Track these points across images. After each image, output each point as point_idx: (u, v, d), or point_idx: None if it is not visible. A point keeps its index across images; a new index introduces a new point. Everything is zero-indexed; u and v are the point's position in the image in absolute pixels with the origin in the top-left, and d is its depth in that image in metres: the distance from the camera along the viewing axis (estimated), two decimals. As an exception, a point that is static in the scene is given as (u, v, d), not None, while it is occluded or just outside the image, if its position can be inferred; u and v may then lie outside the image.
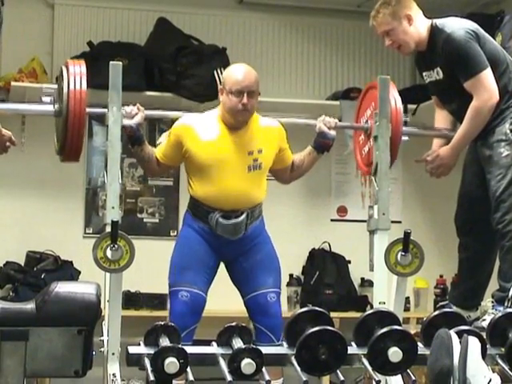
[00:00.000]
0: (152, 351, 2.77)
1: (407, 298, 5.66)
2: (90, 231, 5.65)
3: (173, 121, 3.88)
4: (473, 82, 3.69)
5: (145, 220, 5.78)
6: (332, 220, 6.09)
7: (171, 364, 2.72)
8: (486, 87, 3.68)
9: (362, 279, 5.89)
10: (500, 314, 3.00)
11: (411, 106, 5.68)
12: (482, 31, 3.79)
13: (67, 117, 3.36)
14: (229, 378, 2.75)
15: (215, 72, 5.46)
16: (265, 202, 3.87)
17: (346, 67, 6.16)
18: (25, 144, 5.11)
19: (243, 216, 3.72)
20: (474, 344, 2.68)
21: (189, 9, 5.88)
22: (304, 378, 2.77)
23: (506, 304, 3.56)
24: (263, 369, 2.77)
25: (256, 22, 6.03)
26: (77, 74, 3.41)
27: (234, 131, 3.74)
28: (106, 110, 3.37)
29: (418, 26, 3.82)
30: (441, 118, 4.03)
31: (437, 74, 3.84)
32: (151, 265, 4.85)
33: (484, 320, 3.67)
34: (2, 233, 5.47)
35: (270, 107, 5.52)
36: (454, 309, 3.80)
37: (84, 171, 5.63)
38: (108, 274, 3.12)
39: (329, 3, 6.03)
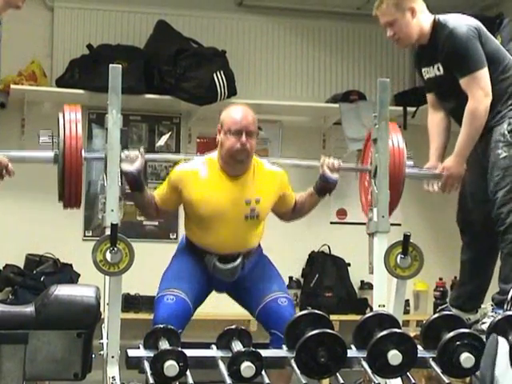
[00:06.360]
0: (151, 354, 2.77)
1: (407, 301, 5.66)
2: (90, 234, 5.66)
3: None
4: (468, 80, 3.67)
5: (144, 223, 5.77)
6: (331, 223, 6.09)
7: (171, 367, 2.72)
8: (481, 86, 3.66)
9: (362, 282, 5.89)
10: (499, 317, 2.98)
11: (410, 109, 5.69)
12: (484, 29, 3.77)
13: (64, 165, 3.33)
14: (228, 381, 2.75)
15: (215, 75, 5.46)
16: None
17: (346, 70, 6.16)
18: (24, 146, 5.11)
19: (239, 259, 3.70)
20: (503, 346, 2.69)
21: (188, 11, 5.89)
22: (304, 381, 2.77)
23: (505, 307, 3.54)
24: (263, 372, 2.77)
25: (255, 25, 6.04)
26: (72, 120, 3.35)
27: (232, 179, 3.68)
28: (102, 154, 3.35)
29: (421, 20, 3.79)
30: (434, 123, 3.93)
31: (437, 70, 3.81)
32: (151, 268, 4.79)
33: (484, 323, 3.66)
34: (2, 235, 5.45)
35: (269, 110, 5.56)
36: (454, 311, 3.80)
37: (83, 174, 5.61)
38: (107, 277, 3.12)
39: (328, 6, 6.04)
